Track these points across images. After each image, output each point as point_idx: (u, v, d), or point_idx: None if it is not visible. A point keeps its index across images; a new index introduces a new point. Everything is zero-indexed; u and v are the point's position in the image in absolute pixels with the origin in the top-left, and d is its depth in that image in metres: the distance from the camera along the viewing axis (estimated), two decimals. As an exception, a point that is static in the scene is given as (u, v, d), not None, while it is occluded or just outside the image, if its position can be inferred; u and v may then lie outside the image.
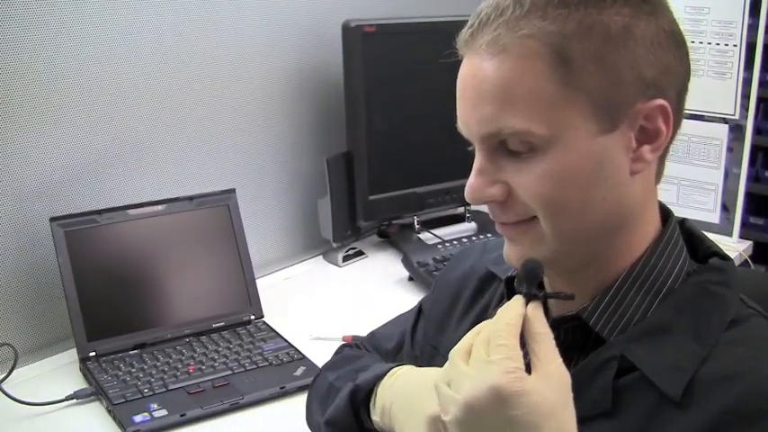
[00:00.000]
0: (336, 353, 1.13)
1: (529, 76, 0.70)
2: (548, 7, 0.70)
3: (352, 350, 1.11)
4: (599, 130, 0.70)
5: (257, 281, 1.61)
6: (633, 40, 0.70)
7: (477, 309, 0.93)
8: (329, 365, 1.07)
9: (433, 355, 0.95)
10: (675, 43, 0.73)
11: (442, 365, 0.86)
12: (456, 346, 0.70)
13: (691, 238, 0.81)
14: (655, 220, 0.79)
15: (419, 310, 1.05)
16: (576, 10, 0.69)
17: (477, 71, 0.72)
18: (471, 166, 0.77)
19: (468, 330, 0.88)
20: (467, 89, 0.74)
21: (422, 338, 1.01)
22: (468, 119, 0.74)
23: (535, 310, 0.69)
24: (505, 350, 0.65)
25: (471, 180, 0.75)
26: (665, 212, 0.81)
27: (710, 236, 0.84)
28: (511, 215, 0.75)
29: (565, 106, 0.70)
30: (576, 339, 0.78)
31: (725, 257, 0.79)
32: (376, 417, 0.88)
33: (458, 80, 0.75)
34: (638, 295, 0.75)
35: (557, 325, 0.77)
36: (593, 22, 0.69)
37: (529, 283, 0.71)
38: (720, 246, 0.82)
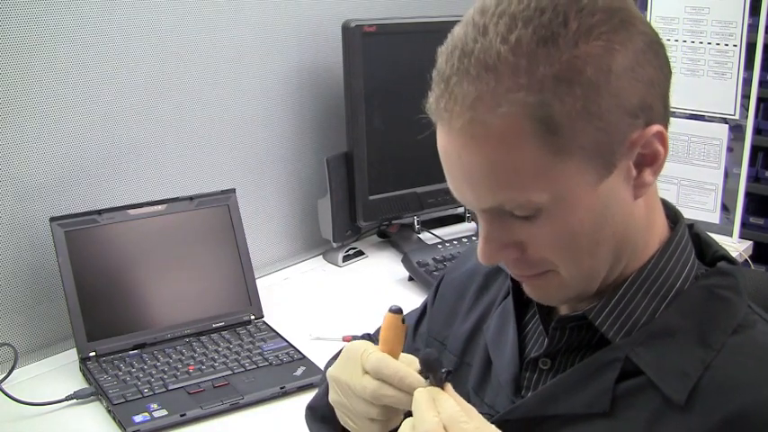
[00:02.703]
0: None
1: (517, 152, 0.67)
2: (518, 69, 0.65)
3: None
4: (598, 177, 0.69)
5: (257, 281, 1.61)
6: (613, 75, 0.66)
7: (482, 304, 0.94)
8: (332, 358, 1.08)
9: (440, 351, 0.96)
10: (653, 52, 0.70)
11: (448, 360, 0.92)
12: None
13: (699, 241, 0.81)
14: (661, 223, 0.78)
15: (425, 306, 1.06)
16: (550, 63, 0.65)
17: (461, 151, 0.69)
18: None
19: (474, 325, 0.89)
20: (453, 167, 0.71)
21: (426, 333, 1.01)
22: (465, 195, 0.72)
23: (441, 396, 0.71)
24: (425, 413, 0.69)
25: (481, 247, 0.74)
26: (674, 214, 0.81)
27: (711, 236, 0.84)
28: (528, 269, 0.75)
29: (560, 169, 0.68)
30: (581, 339, 0.78)
31: (733, 261, 0.79)
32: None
33: (440, 151, 0.72)
34: (646, 298, 0.75)
35: (562, 323, 0.78)
36: (572, 73, 0.65)
37: (432, 372, 0.73)
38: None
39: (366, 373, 0.77)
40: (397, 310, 0.79)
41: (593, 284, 0.76)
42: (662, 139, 0.70)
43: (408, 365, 0.76)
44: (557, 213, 0.69)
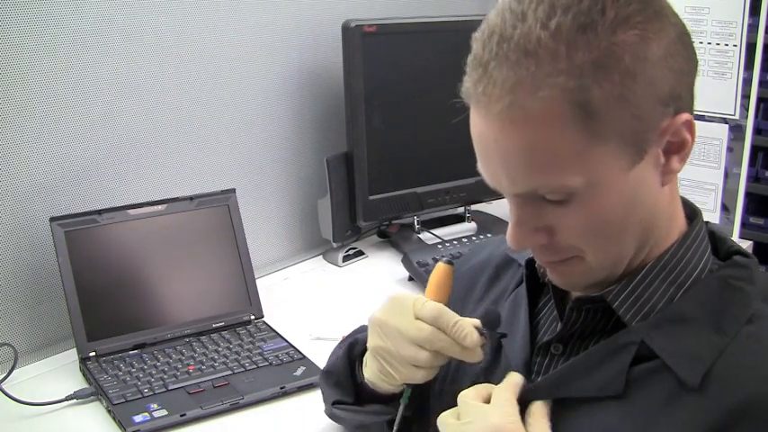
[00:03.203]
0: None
1: (556, 136, 0.68)
2: (558, 54, 0.67)
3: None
4: (630, 162, 0.71)
5: (257, 281, 1.61)
6: (649, 64, 0.68)
7: (493, 294, 0.95)
8: (339, 344, 1.10)
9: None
10: (683, 43, 0.73)
11: None
12: (463, 391, 0.80)
13: (713, 238, 0.82)
14: (680, 215, 0.80)
15: None
16: (589, 50, 0.66)
17: (498, 135, 0.70)
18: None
19: None
20: (489, 151, 0.72)
21: None
22: (498, 178, 0.73)
23: (541, 408, 0.77)
24: (507, 403, 0.76)
25: (512, 231, 0.75)
26: (691, 209, 0.82)
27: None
28: (554, 255, 0.76)
29: (595, 153, 0.69)
30: (595, 324, 0.79)
31: (748, 256, 0.80)
32: (366, 372, 0.92)
33: (474, 135, 0.73)
34: (663, 285, 0.76)
35: (579, 304, 0.79)
36: (610, 60, 0.67)
37: (492, 329, 0.83)
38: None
39: (418, 319, 0.82)
40: (450, 262, 0.85)
41: (617, 271, 0.77)
42: (690, 127, 0.73)
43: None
44: (589, 198, 0.71)
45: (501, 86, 0.68)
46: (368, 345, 0.90)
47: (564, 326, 0.81)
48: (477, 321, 0.83)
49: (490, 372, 0.88)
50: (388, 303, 0.86)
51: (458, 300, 0.99)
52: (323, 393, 1.05)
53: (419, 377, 0.84)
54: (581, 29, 0.67)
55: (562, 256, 0.76)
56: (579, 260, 0.75)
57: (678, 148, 0.73)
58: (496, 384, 0.82)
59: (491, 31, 0.70)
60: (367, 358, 0.93)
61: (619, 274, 0.77)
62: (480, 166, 0.75)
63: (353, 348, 0.99)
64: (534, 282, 0.87)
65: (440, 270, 0.84)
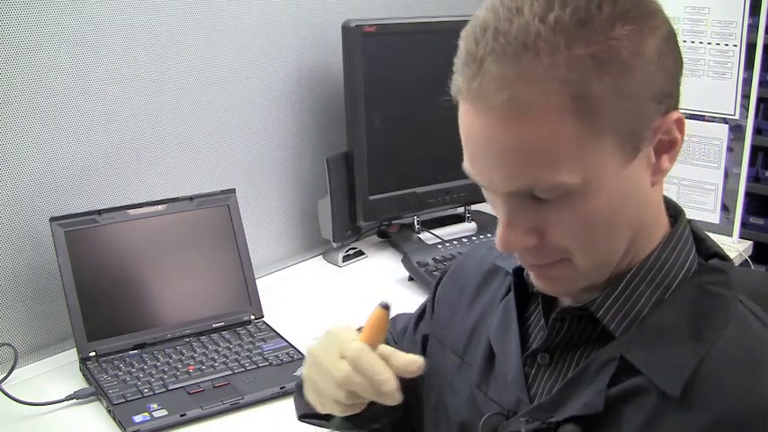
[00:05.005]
0: None
1: (555, 130, 0.67)
2: (557, 48, 0.66)
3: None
4: (625, 160, 0.70)
5: (257, 281, 1.61)
6: (645, 60, 0.68)
7: (481, 302, 0.94)
8: None
9: (441, 350, 0.96)
10: (674, 42, 0.73)
11: (449, 360, 0.94)
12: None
13: (694, 237, 0.81)
14: (664, 216, 0.80)
15: (425, 306, 1.06)
16: (587, 44, 0.66)
17: (493, 132, 0.68)
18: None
19: (474, 323, 0.92)
20: (482, 149, 0.70)
21: (424, 329, 1.02)
22: (489, 176, 0.71)
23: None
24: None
25: (502, 233, 0.73)
26: (674, 209, 0.82)
27: (710, 236, 0.84)
28: (543, 257, 0.75)
29: (594, 150, 0.68)
30: (581, 333, 0.78)
31: (725, 258, 0.79)
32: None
33: (465, 133, 0.72)
34: (648, 289, 0.75)
35: (563, 314, 0.78)
36: (608, 54, 0.66)
37: None
38: (721, 246, 0.82)
39: (343, 358, 0.80)
40: (386, 307, 0.83)
41: (604, 274, 0.76)
42: (680, 125, 0.72)
43: (389, 357, 0.79)
44: (583, 197, 0.70)
45: (499, 81, 0.67)
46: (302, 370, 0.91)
47: (548, 336, 0.79)
48: (418, 358, 0.80)
49: (484, 382, 0.87)
50: (324, 336, 0.86)
51: (449, 310, 0.98)
52: (295, 403, 1.05)
53: (338, 411, 0.83)
54: (579, 23, 0.66)
55: (550, 258, 0.74)
56: (567, 263, 0.74)
57: (668, 147, 0.73)
58: (491, 396, 0.83)
59: (484, 27, 0.68)
60: None
61: (605, 278, 0.76)
62: (469, 165, 0.73)
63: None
64: (523, 290, 0.86)
65: (375, 314, 0.82)
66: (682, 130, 0.73)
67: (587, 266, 0.74)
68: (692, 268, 0.77)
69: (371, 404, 0.84)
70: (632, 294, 0.75)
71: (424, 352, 1.00)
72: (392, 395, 0.78)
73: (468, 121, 0.71)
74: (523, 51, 0.66)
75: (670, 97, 0.72)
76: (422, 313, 1.06)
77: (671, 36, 0.73)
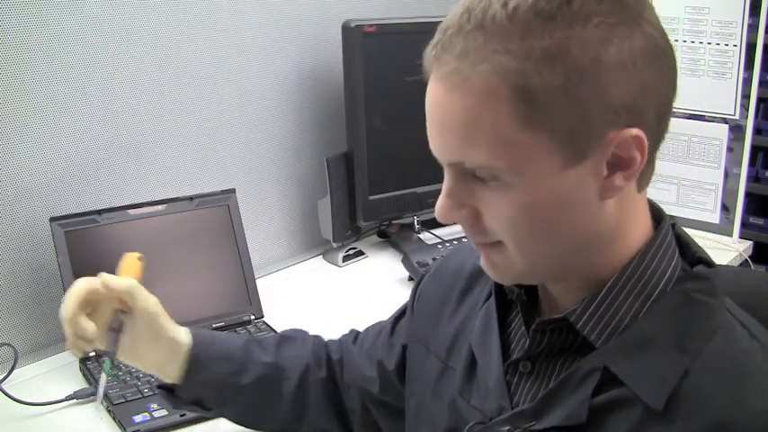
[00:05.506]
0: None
1: (489, 113, 0.67)
2: (511, 35, 0.66)
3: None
4: (565, 163, 0.69)
5: (257, 281, 1.62)
6: (604, 69, 0.66)
7: (466, 306, 0.93)
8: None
9: (425, 355, 0.95)
10: (655, 57, 0.69)
11: (432, 364, 0.93)
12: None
13: (679, 242, 0.79)
14: (643, 225, 0.77)
15: (408, 306, 1.05)
16: (541, 37, 0.66)
17: (440, 100, 0.71)
18: None
19: (458, 328, 0.92)
20: (432, 116, 0.73)
21: (405, 331, 1.01)
22: (435, 144, 0.74)
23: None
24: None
25: (440, 201, 0.75)
26: (658, 212, 0.79)
27: (710, 236, 0.83)
28: (478, 237, 0.76)
29: (527, 143, 0.68)
30: (562, 342, 0.77)
31: (710, 264, 0.77)
32: None
33: (426, 98, 0.74)
34: (629, 299, 0.74)
35: (543, 326, 0.77)
36: (559, 51, 0.65)
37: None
38: (720, 246, 0.81)
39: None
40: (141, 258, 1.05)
41: (544, 272, 0.77)
42: (640, 144, 0.69)
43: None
44: (514, 186, 0.70)
45: (449, 52, 0.70)
46: None
47: (530, 347, 0.79)
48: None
49: (466, 389, 0.86)
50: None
51: (432, 313, 0.97)
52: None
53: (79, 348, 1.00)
54: (539, 15, 0.66)
55: (485, 239, 0.75)
56: (503, 248, 0.74)
57: (625, 165, 0.70)
58: (473, 403, 0.83)
59: (463, 5, 0.72)
60: None
61: (551, 278, 0.77)
62: (428, 132, 0.75)
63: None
64: (504, 295, 0.85)
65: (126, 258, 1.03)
66: (642, 151, 0.69)
67: (521, 259, 0.74)
68: (674, 275, 0.75)
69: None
70: (612, 303, 0.74)
71: (403, 358, 0.99)
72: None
73: (428, 91, 0.74)
74: (478, 30, 0.68)
75: (638, 114, 0.69)
76: (401, 314, 1.05)
77: (656, 50, 0.69)
